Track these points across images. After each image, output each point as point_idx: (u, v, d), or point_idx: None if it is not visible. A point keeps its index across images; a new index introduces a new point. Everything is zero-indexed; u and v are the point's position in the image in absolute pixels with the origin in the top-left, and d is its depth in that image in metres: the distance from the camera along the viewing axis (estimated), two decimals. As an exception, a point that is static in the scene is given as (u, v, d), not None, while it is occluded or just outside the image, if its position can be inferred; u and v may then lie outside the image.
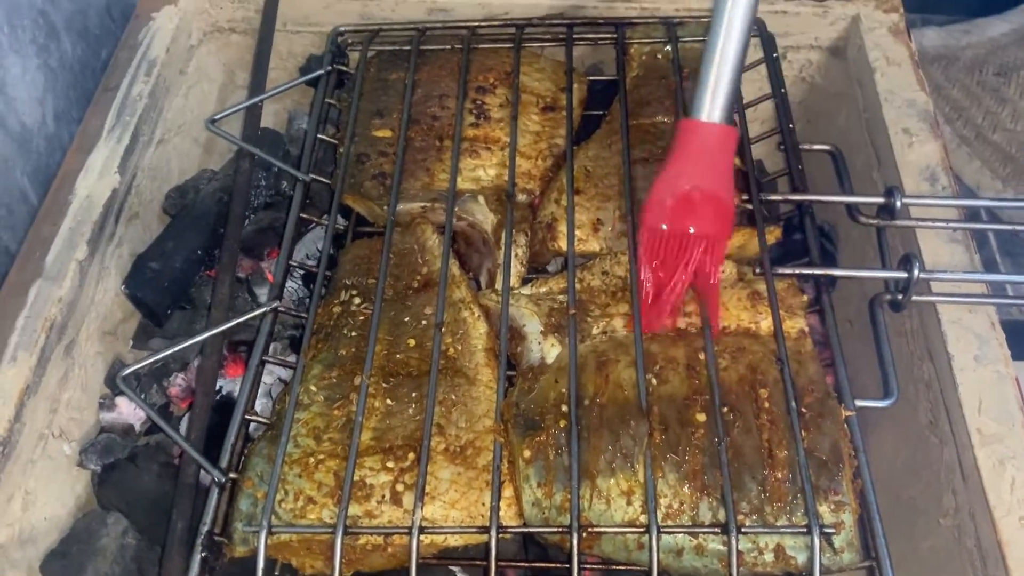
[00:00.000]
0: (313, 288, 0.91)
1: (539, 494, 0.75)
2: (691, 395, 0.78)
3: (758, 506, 0.73)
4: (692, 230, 0.79)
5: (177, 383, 1.01)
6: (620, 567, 0.78)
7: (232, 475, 0.79)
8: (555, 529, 0.74)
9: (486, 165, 1.00)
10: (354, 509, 0.74)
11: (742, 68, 0.78)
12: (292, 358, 0.91)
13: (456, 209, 0.94)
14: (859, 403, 0.79)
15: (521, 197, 0.98)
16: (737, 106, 1.02)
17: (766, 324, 0.85)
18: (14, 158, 1.00)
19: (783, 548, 0.73)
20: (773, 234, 0.92)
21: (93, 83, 1.12)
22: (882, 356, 0.83)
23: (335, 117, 1.10)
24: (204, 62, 1.25)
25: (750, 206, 0.92)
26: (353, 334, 0.86)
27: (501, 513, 0.75)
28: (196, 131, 1.22)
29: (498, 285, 0.90)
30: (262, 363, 0.86)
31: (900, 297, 0.85)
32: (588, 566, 0.81)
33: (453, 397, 0.81)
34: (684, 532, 0.73)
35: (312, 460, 0.77)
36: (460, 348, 0.85)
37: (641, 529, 0.73)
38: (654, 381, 0.79)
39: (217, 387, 0.93)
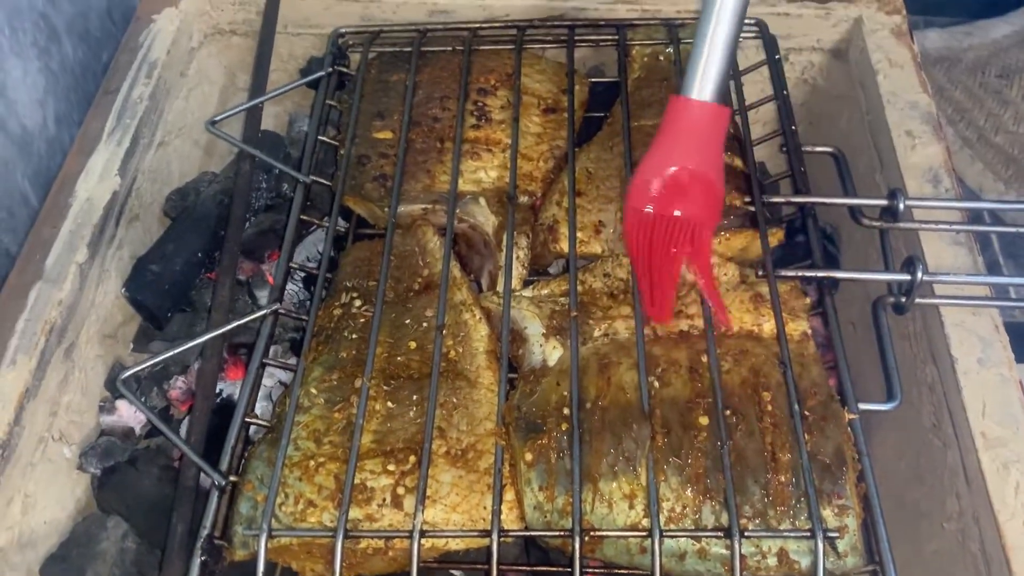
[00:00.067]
0: (314, 290, 0.91)
1: (541, 497, 0.75)
2: (694, 398, 0.78)
3: (761, 510, 0.73)
4: (678, 213, 0.76)
5: (177, 386, 1.01)
6: (622, 571, 0.78)
7: (232, 478, 0.78)
8: (557, 533, 0.74)
9: (487, 167, 1.00)
10: (355, 512, 0.74)
11: (735, 44, 0.74)
12: (292, 361, 0.91)
13: (457, 211, 0.94)
14: (862, 406, 0.79)
15: (522, 199, 0.98)
16: (739, 108, 1.02)
17: (769, 326, 0.84)
18: (15, 161, 1.00)
19: (786, 552, 0.72)
20: (776, 236, 0.91)
21: (94, 85, 1.12)
22: (885, 359, 0.83)
23: (336, 119, 1.09)
24: (205, 64, 1.25)
25: (752, 208, 0.91)
26: (354, 336, 0.86)
27: (503, 517, 0.74)
28: (197, 133, 1.22)
29: (499, 287, 0.90)
30: (262, 366, 0.86)
31: (903, 300, 0.85)
32: (590, 570, 0.80)
33: (454, 400, 0.81)
34: (687, 536, 0.73)
35: (312, 463, 0.77)
36: (461, 351, 0.85)
37: (644, 533, 0.72)
38: (656, 384, 0.79)
39: (217, 390, 0.93)
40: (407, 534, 0.72)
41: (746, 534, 0.71)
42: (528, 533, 0.76)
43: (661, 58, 1.10)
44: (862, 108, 1.12)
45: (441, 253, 0.91)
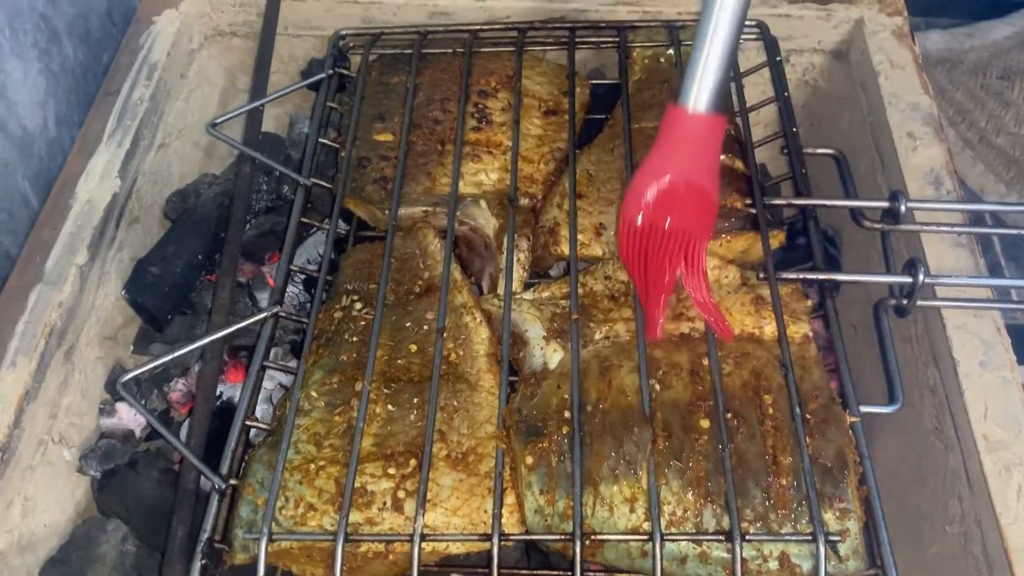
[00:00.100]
0: (314, 293, 0.91)
1: (541, 501, 0.75)
2: (695, 401, 0.78)
3: (762, 513, 0.72)
4: (672, 224, 0.76)
5: (177, 388, 1.01)
6: (623, 575, 0.78)
7: (232, 481, 0.78)
8: (558, 537, 0.74)
9: (488, 169, 1.00)
10: (355, 516, 0.74)
11: (734, 53, 0.75)
12: (293, 363, 0.91)
13: (458, 213, 0.94)
14: (864, 409, 0.78)
15: (523, 201, 0.97)
16: (740, 110, 1.02)
17: (770, 329, 0.84)
18: (15, 162, 1.00)
19: (788, 556, 0.72)
20: (777, 238, 0.91)
21: (94, 87, 1.12)
22: (887, 361, 0.82)
23: (336, 121, 1.09)
24: (205, 66, 1.25)
25: (753, 210, 0.91)
26: (354, 339, 0.86)
27: (503, 520, 0.74)
28: (197, 135, 1.21)
29: (500, 290, 0.90)
30: (263, 368, 0.86)
31: (905, 302, 0.84)
32: (591, 574, 0.80)
33: (455, 403, 0.81)
34: (688, 540, 0.73)
35: (313, 466, 0.77)
36: (462, 353, 0.85)
37: (644, 537, 0.72)
38: (657, 387, 0.79)
39: (217, 392, 0.93)
40: (408, 538, 0.72)
41: (747, 538, 0.71)
42: (529, 537, 0.76)
43: (662, 60, 1.10)
44: (863, 110, 1.12)
45: (442, 256, 0.91)
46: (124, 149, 1.03)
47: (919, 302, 0.84)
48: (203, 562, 0.74)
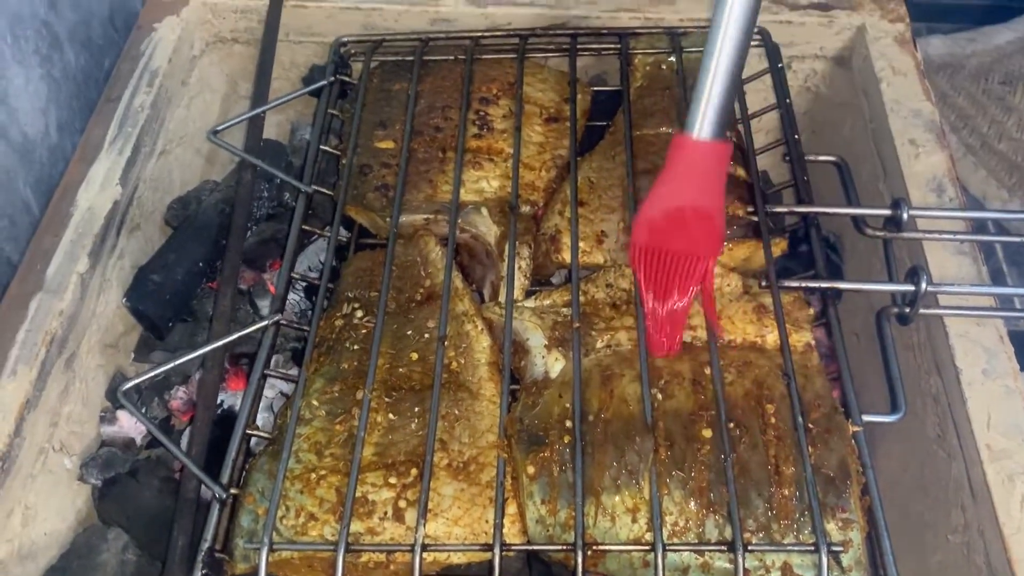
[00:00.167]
0: (315, 301, 0.90)
1: (543, 511, 0.75)
2: (697, 410, 0.77)
3: (765, 523, 0.72)
4: (681, 250, 0.78)
5: (178, 396, 1.01)
6: (625, 584, 0.78)
7: (233, 491, 0.78)
8: (559, 547, 0.73)
9: (489, 176, 0.99)
10: (356, 526, 0.74)
11: (739, 82, 0.76)
12: (294, 371, 0.90)
13: (459, 221, 0.94)
14: (866, 418, 0.78)
15: (524, 209, 0.97)
16: (742, 117, 1.02)
17: (772, 338, 0.84)
18: (16, 169, 1.00)
19: (790, 566, 0.72)
20: (779, 246, 0.91)
21: (96, 94, 1.12)
22: (889, 370, 0.82)
23: (338, 128, 1.09)
24: (206, 72, 1.25)
25: (755, 218, 0.91)
26: (355, 347, 0.86)
27: (505, 530, 0.74)
28: (198, 142, 1.21)
29: (501, 298, 0.90)
30: (264, 376, 0.86)
31: (907, 310, 0.84)
32: (593, 583, 0.80)
33: (456, 412, 0.80)
34: (690, 550, 0.72)
35: (314, 476, 0.77)
36: (463, 362, 0.84)
37: (646, 547, 0.72)
38: (659, 396, 0.79)
39: (218, 401, 0.92)
40: (409, 548, 0.71)
41: (750, 548, 0.71)
42: (530, 547, 0.75)
43: (663, 67, 1.10)
44: (865, 116, 1.12)
45: (443, 263, 0.91)
46: (125, 156, 1.03)
47: (922, 310, 0.84)
48: (204, 572, 0.74)
